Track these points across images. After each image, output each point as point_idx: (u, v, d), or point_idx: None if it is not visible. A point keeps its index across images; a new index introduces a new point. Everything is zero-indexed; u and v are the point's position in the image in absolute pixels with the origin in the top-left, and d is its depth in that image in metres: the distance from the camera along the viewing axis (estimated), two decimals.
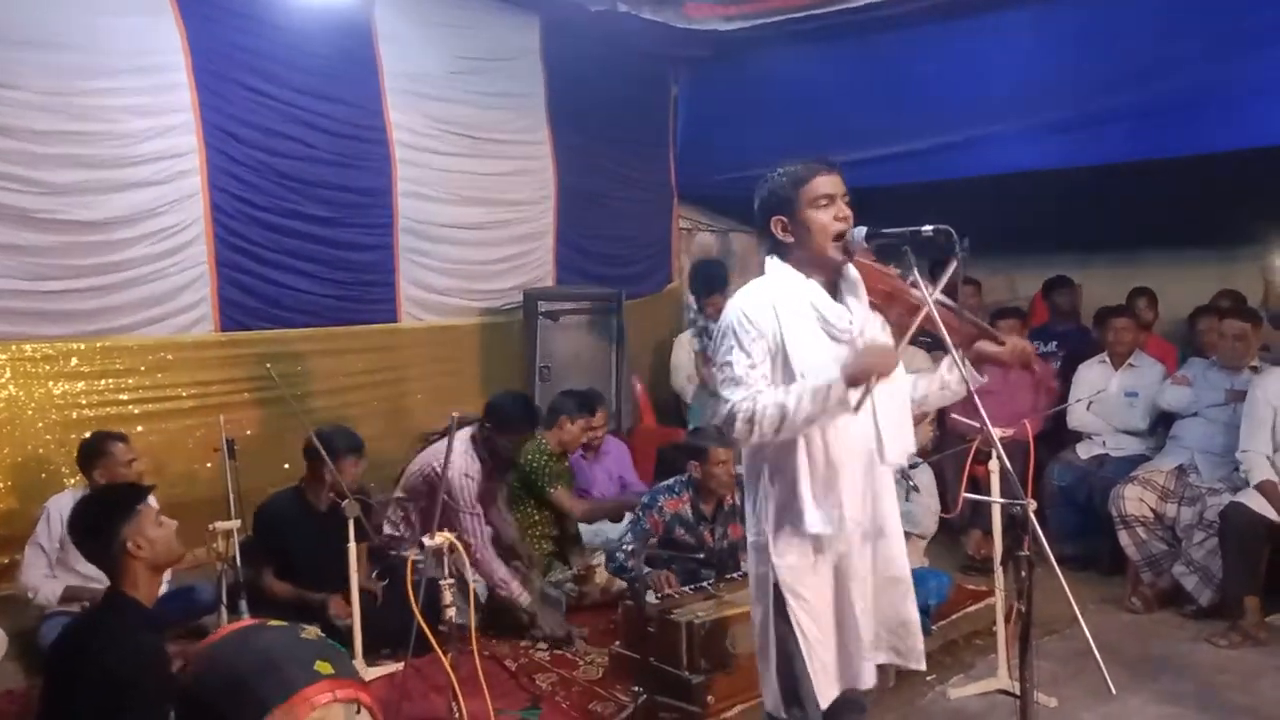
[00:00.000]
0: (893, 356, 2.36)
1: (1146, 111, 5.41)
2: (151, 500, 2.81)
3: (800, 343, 2.47)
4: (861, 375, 2.32)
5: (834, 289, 2.58)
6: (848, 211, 2.50)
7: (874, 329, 2.60)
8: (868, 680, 2.60)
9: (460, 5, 6.47)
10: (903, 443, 2.57)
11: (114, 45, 4.93)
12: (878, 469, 2.56)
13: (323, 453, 4.26)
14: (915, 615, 2.65)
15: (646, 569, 4.39)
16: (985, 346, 2.60)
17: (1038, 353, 6.17)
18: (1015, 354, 2.61)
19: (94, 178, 4.88)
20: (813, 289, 2.52)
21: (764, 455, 2.57)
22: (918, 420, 2.90)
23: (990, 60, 5.97)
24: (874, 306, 2.63)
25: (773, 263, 2.59)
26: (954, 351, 2.46)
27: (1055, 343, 6.49)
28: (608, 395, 6.48)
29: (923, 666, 2.70)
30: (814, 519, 2.46)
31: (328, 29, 5.71)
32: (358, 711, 2.79)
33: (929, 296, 2.40)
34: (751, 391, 2.43)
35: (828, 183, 2.50)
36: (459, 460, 4.51)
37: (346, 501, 4.02)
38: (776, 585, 2.51)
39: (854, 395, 2.32)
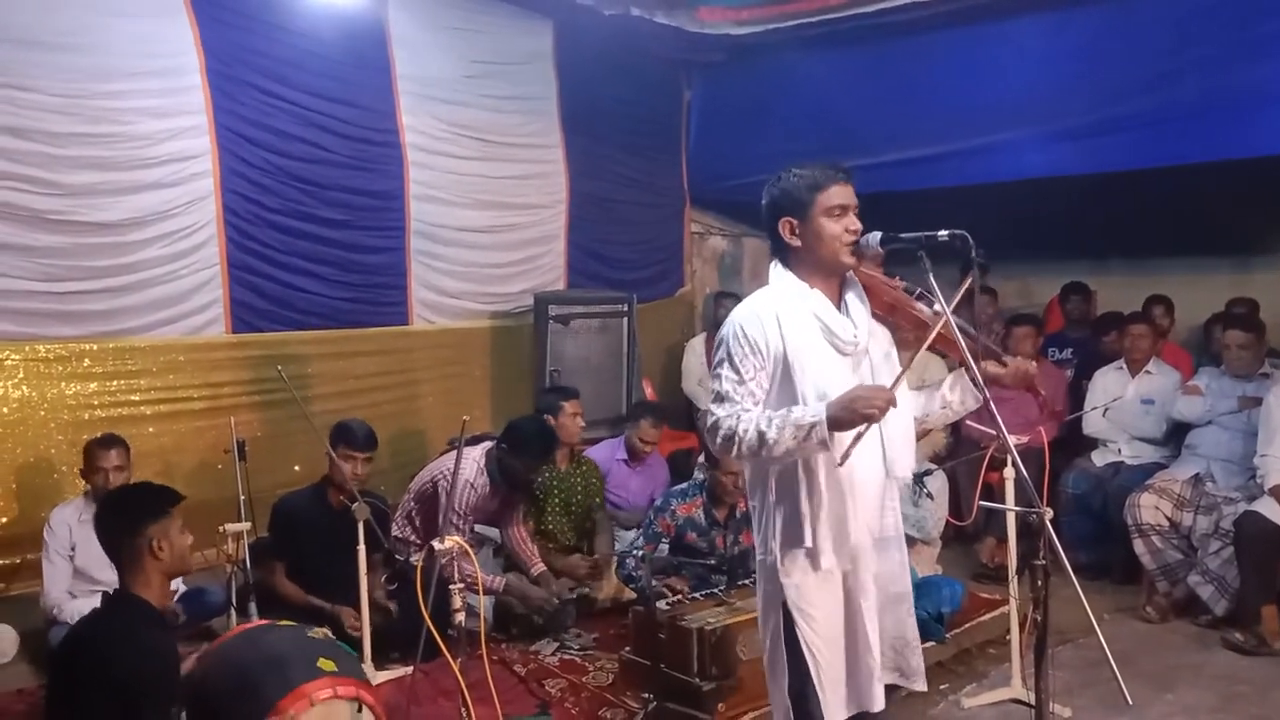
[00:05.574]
0: (887, 399, 2.23)
1: (1160, 118, 5.39)
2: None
3: (804, 355, 2.41)
4: (848, 421, 2.23)
5: (839, 299, 2.52)
6: (858, 225, 2.45)
7: (879, 342, 2.56)
8: (879, 702, 2.53)
9: (473, 9, 6.48)
10: (909, 456, 2.55)
11: (128, 48, 4.96)
12: (885, 483, 2.53)
13: (325, 442, 4.29)
14: (916, 633, 2.62)
15: (656, 580, 4.37)
16: (988, 367, 2.56)
17: (1052, 360, 6.22)
18: (1017, 376, 2.58)
19: (107, 179, 4.90)
20: (817, 299, 2.46)
21: (767, 471, 2.50)
22: (920, 436, 2.87)
23: (1004, 66, 5.96)
24: (877, 319, 2.58)
25: (777, 270, 2.53)
26: (971, 363, 2.42)
27: (1070, 349, 6.46)
28: (618, 399, 6.46)
29: (924, 687, 2.66)
30: (823, 551, 2.40)
31: (341, 32, 5.74)
32: (359, 710, 2.77)
33: (945, 310, 2.34)
34: (735, 409, 2.39)
35: (843, 193, 2.44)
36: (467, 468, 4.52)
37: (356, 505, 4.00)
38: (785, 604, 2.47)
39: (843, 441, 2.25)
